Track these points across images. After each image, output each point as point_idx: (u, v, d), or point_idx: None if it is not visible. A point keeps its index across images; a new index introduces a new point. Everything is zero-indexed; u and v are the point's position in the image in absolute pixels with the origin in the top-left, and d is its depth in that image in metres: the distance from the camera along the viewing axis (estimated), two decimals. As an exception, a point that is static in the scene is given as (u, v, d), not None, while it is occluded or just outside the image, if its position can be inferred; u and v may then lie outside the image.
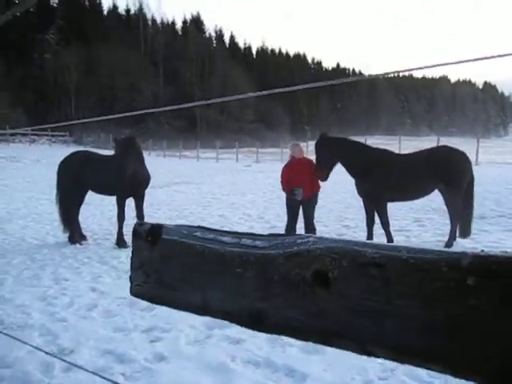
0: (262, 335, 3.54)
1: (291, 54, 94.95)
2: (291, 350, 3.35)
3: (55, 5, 59.98)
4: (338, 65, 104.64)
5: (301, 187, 6.29)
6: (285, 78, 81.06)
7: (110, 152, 8.44)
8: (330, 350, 3.14)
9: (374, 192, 5.91)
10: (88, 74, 49.34)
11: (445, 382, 2.68)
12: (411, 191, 6.10)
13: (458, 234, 6.19)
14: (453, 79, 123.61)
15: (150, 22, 67.71)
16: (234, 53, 76.72)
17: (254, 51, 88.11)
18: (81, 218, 7.77)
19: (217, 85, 61.70)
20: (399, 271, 0.57)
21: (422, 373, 2.85)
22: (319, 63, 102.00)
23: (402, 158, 6.24)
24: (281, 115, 71.64)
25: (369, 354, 0.62)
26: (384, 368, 2.98)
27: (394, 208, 7.42)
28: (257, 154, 32.11)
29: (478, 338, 0.50)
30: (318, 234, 5.64)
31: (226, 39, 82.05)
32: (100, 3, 65.65)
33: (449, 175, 5.78)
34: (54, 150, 31.83)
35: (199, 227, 0.82)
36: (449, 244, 6.00)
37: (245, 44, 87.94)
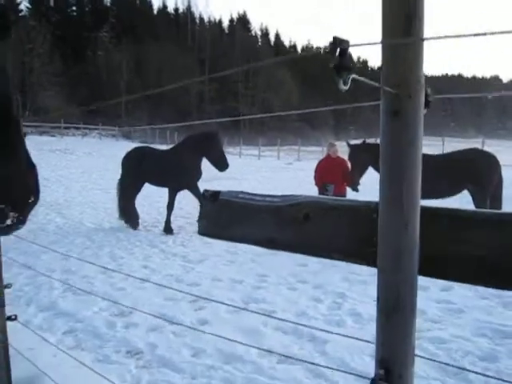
0: (292, 310, 4.09)
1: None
2: (316, 322, 3.86)
3: (108, 4, 62.45)
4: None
5: (332, 184, 6.77)
6: (329, 77, 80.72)
7: (166, 147, 9.31)
8: (349, 324, 3.64)
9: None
10: (137, 70, 51.16)
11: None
12: (441, 190, 6.43)
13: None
14: (505, 79, 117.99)
15: (197, 21, 69.17)
16: (279, 51, 77.13)
17: (299, 49, 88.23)
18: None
19: (261, 83, 62.42)
20: (344, 211, 1.09)
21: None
22: (365, 62, 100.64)
23: (432, 158, 6.59)
24: (325, 115, 71.40)
25: (331, 257, 1.14)
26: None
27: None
28: (298, 152, 32.51)
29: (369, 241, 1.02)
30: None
31: (272, 37, 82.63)
32: (150, 2, 67.75)
33: (476, 176, 6.10)
34: (103, 144, 33.47)
35: (241, 192, 1.37)
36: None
37: (290, 42, 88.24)
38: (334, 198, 1.14)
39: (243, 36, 67.42)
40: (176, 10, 70.91)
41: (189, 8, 69.04)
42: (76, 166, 20.98)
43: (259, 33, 78.67)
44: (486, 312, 4.02)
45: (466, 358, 3.15)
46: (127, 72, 50.43)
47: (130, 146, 33.51)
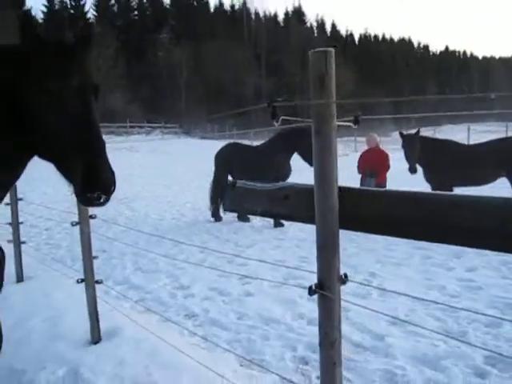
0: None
1: (395, 38, 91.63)
2: (344, 295, 4.42)
3: (168, 6, 64.74)
4: (446, 47, 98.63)
5: (373, 173, 7.24)
6: (388, 65, 78.94)
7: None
8: (373, 297, 4.17)
9: (439, 179, 6.68)
10: (196, 69, 52.84)
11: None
12: (478, 178, 6.72)
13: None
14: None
15: (253, 16, 70.03)
16: (336, 41, 76.31)
17: (356, 38, 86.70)
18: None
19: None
20: (304, 193, 1.71)
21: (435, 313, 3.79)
22: (426, 47, 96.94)
23: (470, 148, 6.86)
24: (383, 102, 69.66)
25: (296, 221, 1.76)
26: (406, 309, 3.96)
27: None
28: (355, 143, 32.43)
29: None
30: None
31: (328, 27, 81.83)
32: (207, 1, 69.39)
33: (510, 165, 6.33)
34: (165, 142, 35.14)
35: (249, 182, 2.01)
36: None
37: (347, 31, 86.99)
38: (302, 184, 1.75)
39: (298, 28, 67.42)
40: (232, 6, 72.21)
41: (244, 4, 70.07)
42: (140, 164, 22.45)
43: (315, 24, 78.25)
44: (504, 290, 4.39)
45: (471, 325, 3.61)
46: (186, 70, 52.22)
47: (189, 142, 34.67)
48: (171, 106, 49.44)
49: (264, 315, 4.01)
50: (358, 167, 7.64)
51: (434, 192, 1.41)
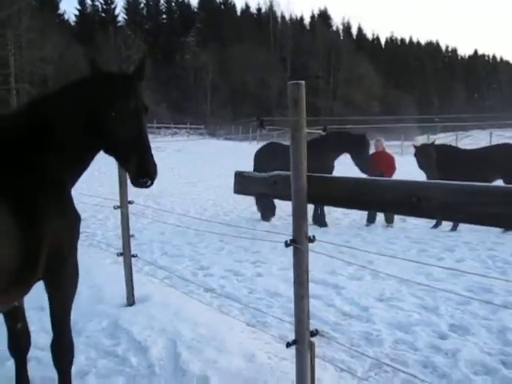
0: (327, 269, 5.34)
1: (422, 42, 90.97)
2: (341, 277, 5.10)
3: (195, 9, 66.14)
4: (475, 51, 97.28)
5: (382, 175, 7.85)
6: (415, 69, 78.57)
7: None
8: (366, 279, 4.85)
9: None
10: (222, 71, 53.91)
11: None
12: (476, 180, 7.25)
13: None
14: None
15: (279, 19, 70.77)
16: (361, 44, 76.41)
17: (382, 41, 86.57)
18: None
19: (342, 78, 62.55)
20: (286, 179, 2.43)
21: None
22: (454, 51, 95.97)
23: (465, 153, 7.42)
24: (409, 106, 69.09)
25: (279, 199, 2.48)
26: (393, 289, 4.61)
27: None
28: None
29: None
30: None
31: (354, 30, 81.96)
32: (234, 5, 70.56)
33: (506, 169, 6.86)
34: (191, 141, 36.13)
35: (252, 172, 2.73)
36: (507, 229, 7.10)
37: (373, 35, 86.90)
38: (285, 172, 2.44)
39: (324, 32, 67.80)
40: (259, 9, 73.18)
41: (271, 7, 70.89)
42: (167, 163, 23.37)
43: (341, 27, 78.48)
44: (484, 277, 4.98)
45: (445, 302, 4.24)
46: (212, 73, 53.31)
47: (214, 143, 35.30)
48: (197, 108, 50.61)
49: (270, 290, 4.72)
50: (368, 169, 8.21)
51: (368, 178, 2.10)
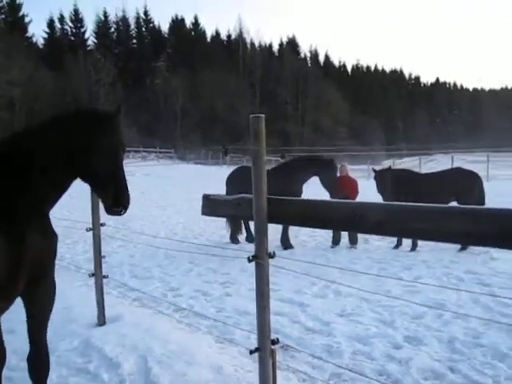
0: (292, 290, 5.55)
1: (387, 69, 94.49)
2: (306, 295, 5.34)
3: (166, 35, 66.94)
4: (437, 79, 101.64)
5: (345, 198, 8.22)
6: (380, 95, 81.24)
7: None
8: (330, 296, 5.09)
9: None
10: (192, 96, 54.43)
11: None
12: (433, 203, 7.73)
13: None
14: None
15: (248, 46, 72.26)
16: (329, 71, 78.73)
17: (349, 69, 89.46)
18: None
19: (310, 104, 64.14)
20: (248, 202, 2.68)
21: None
22: (417, 78, 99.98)
23: (422, 177, 7.91)
24: (376, 130, 71.06)
25: (249, 219, 2.72)
26: (354, 305, 4.89)
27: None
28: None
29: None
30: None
31: (321, 58, 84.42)
32: (204, 31, 71.78)
33: (458, 191, 7.36)
34: (160, 166, 36.14)
35: (220, 195, 2.98)
36: (463, 247, 7.55)
37: (339, 62, 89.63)
38: (247, 195, 2.69)
39: (292, 59, 69.64)
40: (228, 36, 74.60)
41: (241, 34, 72.42)
42: (137, 187, 23.30)
43: (308, 54, 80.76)
44: (438, 294, 5.33)
45: (400, 316, 4.54)
46: (183, 98, 53.74)
47: (184, 167, 35.32)
48: (167, 132, 50.75)
49: (239, 309, 4.91)
50: (333, 192, 8.58)
51: (319, 199, 2.38)
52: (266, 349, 2.47)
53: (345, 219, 2.15)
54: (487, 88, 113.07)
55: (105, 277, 4.34)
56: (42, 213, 2.39)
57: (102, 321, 4.28)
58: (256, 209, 2.43)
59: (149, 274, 6.65)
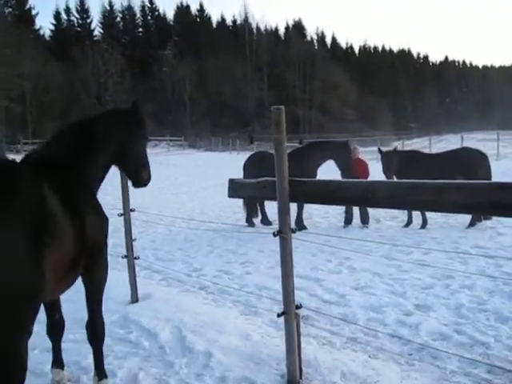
0: (308, 268, 5.90)
1: (395, 49, 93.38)
2: (321, 272, 5.68)
3: (171, 23, 66.78)
4: (446, 57, 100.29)
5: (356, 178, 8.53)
6: (388, 76, 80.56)
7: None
8: (344, 272, 5.43)
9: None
10: (200, 83, 54.51)
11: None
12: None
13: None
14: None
15: (254, 31, 71.80)
16: (336, 53, 78.10)
17: (356, 50, 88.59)
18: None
19: (318, 87, 63.86)
20: (272, 184, 3.01)
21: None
22: (425, 57, 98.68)
23: (432, 156, 8.18)
24: (384, 111, 70.56)
25: (273, 200, 3.05)
26: (367, 279, 5.22)
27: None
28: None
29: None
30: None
31: (328, 40, 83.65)
32: (209, 17, 71.45)
33: (464, 169, 7.61)
34: (171, 154, 36.57)
35: (244, 179, 3.31)
36: (471, 223, 7.83)
37: (347, 44, 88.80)
38: (271, 178, 3.01)
39: (299, 42, 69.14)
40: (234, 21, 74.16)
41: (246, 19, 71.94)
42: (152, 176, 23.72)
43: (315, 37, 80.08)
44: (446, 266, 5.64)
45: (411, 288, 4.86)
46: (190, 85, 53.86)
47: (195, 155, 35.73)
48: (176, 120, 51.02)
49: (259, 285, 5.28)
50: (349, 174, 8.87)
51: (334, 179, 2.70)
52: (291, 312, 2.82)
53: (359, 196, 2.47)
54: (497, 65, 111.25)
55: (136, 258, 4.72)
56: (94, 196, 2.75)
57: (135, 298, 4.67)
58: (279, 190, 2.75)
59: (172, 257, 7.04)
